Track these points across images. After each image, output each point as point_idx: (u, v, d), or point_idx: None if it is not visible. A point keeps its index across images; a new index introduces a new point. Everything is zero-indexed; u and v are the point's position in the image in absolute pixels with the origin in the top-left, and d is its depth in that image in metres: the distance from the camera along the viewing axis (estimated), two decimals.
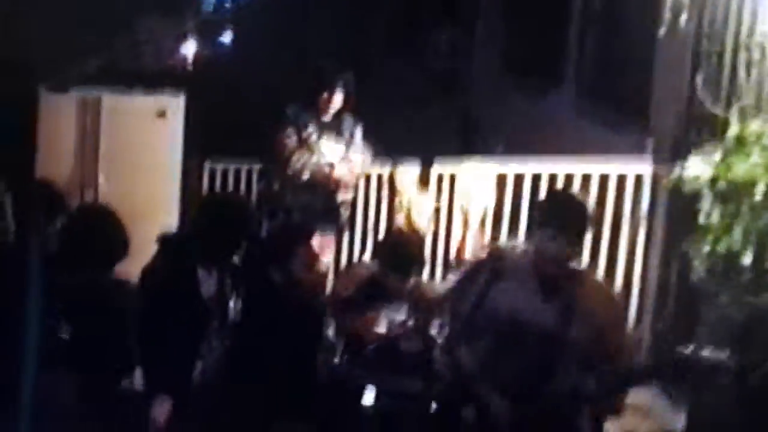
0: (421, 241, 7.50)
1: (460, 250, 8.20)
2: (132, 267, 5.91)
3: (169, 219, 8.19)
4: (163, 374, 5.38)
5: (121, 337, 5.33)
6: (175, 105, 8.93)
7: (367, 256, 8.31)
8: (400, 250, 6.88)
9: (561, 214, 5.23)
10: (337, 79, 8.09)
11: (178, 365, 5.38)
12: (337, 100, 8.08)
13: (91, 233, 5.41)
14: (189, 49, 10.51)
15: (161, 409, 5.29)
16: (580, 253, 5.46)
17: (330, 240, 8.22)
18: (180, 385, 5.36)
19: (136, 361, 5.46)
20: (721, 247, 6.48)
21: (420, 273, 6.93)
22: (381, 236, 8.20)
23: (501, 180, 8.27)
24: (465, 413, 5.19)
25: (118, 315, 5.35)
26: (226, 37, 11.93)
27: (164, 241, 5.85)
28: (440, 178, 8.45)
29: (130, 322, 5.39)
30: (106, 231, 5.41)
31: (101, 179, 8.59)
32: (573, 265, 5.30)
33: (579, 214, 5.31)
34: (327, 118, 8.15)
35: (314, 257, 5.99)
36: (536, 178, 8.12)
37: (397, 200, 8.41)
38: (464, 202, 8.27)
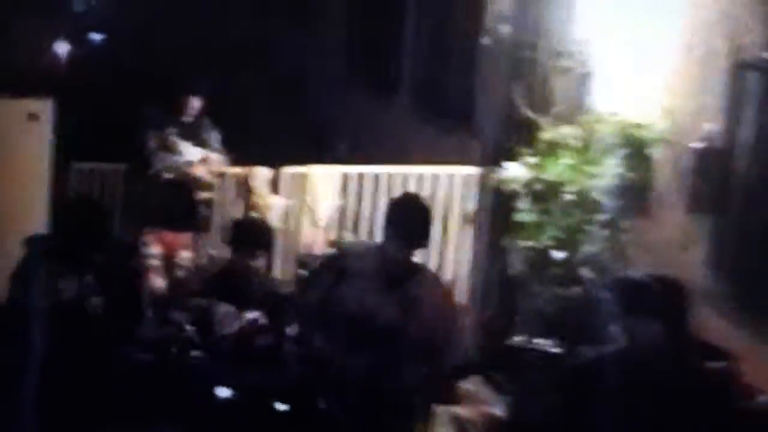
0: (266, 225, 7.50)
1: (309, 247, 8.33)
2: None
3: (39, 222, 8.05)
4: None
5: None
6: (46, 108, 8.77)
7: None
8: (247, 230, 6.90)
9: (405, 216, 5.26)
10: (195, 84, 8.15)
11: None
12: (196, 104, 8.15)
13: None
14: (60, 50, 10.38)
15: None
16: (420, 250, 5.49)
17: (189, 237, 8.25)
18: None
19: None
20: (535, 243, 6.66)
21: (266, 255, 6.89)
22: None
23: (345, 180, 8.40)
24: (318, 405, 5.25)
25: None
26: (96, 38, 11.82)
27: (28, 243, 5.82)
28: (290, 179, 8.53)
29: None
30: None
31: None
32: (412, 260, 5.31)
33: (422, 216, 5.32)
34: (186, 120, 8.21)
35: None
36: (376, 178, 8.28)
37: (251, 200, 8.48)
38: (312, 201, 8.40)
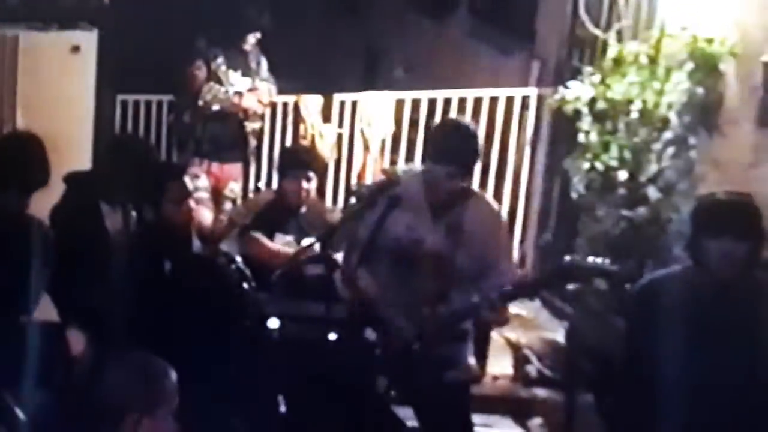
0: (316, 151, 7.48)
1: (361, 176, 8.33)
2: (46, 204, 5.94)
3: (84, 154, 8.14)
4: (76, 307, 5.43)
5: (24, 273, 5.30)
6: (89, 40, 8.81)
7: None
8: (296, 156, 6.82)
9: (450, 142, 5.17)
10: (256, 23, 8.16)
11: (89, 297, 5.42)
12: (252, 41, 8.15)
13: (13, 157, 5.38)
14: None
15: (76, 340, 5.36)
16: (470, 176, 5.43)
17: (238, 168, 8.32)
18: (93, 317, 5.42)
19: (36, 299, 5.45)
20: (599, 164, 6.62)
21: (316, 182, 6.79)
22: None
23: (399, 106, 8.33)
24: (368, 335, 5.21)
25: (24, 250, 5.35)
26: None
27: (70, 179, 5.85)
28: (342, 106, 8.50)
29: (38, 258, 5.38)
30: (27, 155, 5.37)
31: (19, 117, 8.51)
32: (461, 185, 5.23)
33: (468, 142, 5.23)
34: (235, 50, 8.19)
35: (185, 194, 5.96)
36: (432, 103, 8.20)
37: (302, 128, 8.46)
38: (365, 129, 8.36)
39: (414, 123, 8.27)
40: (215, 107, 8.12)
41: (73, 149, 8.14)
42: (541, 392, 6.75)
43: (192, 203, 5.81)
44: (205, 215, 7.01)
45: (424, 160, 5.42)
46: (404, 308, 5.17)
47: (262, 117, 8.44)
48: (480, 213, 5.26)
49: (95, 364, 4.70)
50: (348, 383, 5.12)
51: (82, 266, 5.45)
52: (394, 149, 8.37)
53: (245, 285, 5.87)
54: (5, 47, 8.55)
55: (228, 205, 7.96)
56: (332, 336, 5.37)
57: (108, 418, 3.45)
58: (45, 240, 5.30)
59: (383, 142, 8.37)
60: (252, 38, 8.18)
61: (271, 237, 6.40)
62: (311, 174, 6.58)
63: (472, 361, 5.35)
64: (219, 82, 8.14)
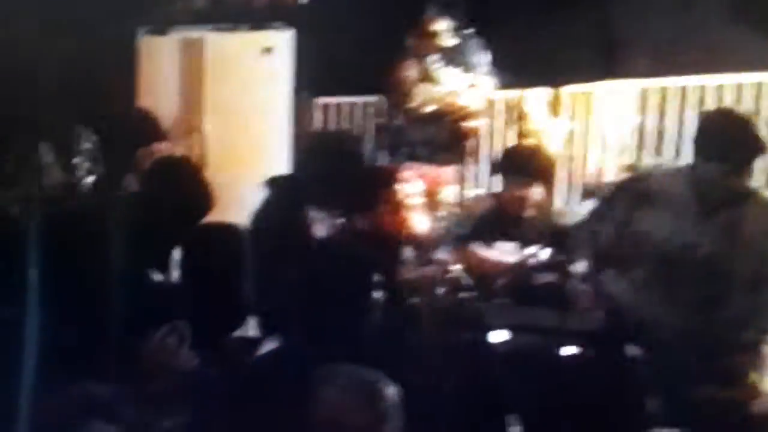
0: (542, 151, 7.51)
1: (597, 175, 8.16)
2: (241, 210, 6.06)
3: (280, 159, 8.29)
4: (280, 318, 5.50)
5: (232, 284, 5.45)
6: (283, 40, 8.99)
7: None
8: (520, 157, 6.97)
9: (720, 132, 5.20)
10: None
11: (290, 307, 5.47)
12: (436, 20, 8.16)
13: (170, 191, 5.54)
14: None
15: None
16: (747, 174, 5.32)
17: (454, 172, 8.31)
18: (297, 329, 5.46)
19: (249, 311, 5.59)
20: None
21: (544, 185, 6.85)
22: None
23: (643, 97, 8.20)
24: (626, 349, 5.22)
25: (227, 261, 5.47)
26: None
27: (272, 184, 6.03)
28: (574, 99, 8.44)
29: (240, 268, 5.48)
30: (185, 187, 5.55)
31: (206, 123, 8.71)
32: (738, 183, 5.26)
33: (744, 135, 5.19)
34: (450, 44, 8.16)
35: (400, 201, 6.03)
36: (683, 91, 8.04)
37: (525, 126, 8.42)
38: (601, 123, 8.28)
39: (661, 115, 8.10)
40: (428, 108, 8.21)
41: (267, 157, 8.32)
42: None
43: (406, 210, 5.84)
44: (419, 222, 7.03)
45: (694, 155, 5.36)
46: (670, 316, 5.17)
47: (481, 115, 8.39)
48: (762, 214, 5.24)
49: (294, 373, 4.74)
50: (601, 403, 5.09)
51: (284, 273, 5.56)
52: (638, 145, 8.19)
53: (464, 294, 5.94)
54: (190, 50, 8.77)
55: (443, 211, 7.92)
56: (569, 349, 5.46)
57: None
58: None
59: (623, 136, 8.19)
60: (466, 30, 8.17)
61: (491, 244, 6.44)
62: (536, 176, 6.68)
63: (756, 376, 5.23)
64: (433, 81, 8.20)
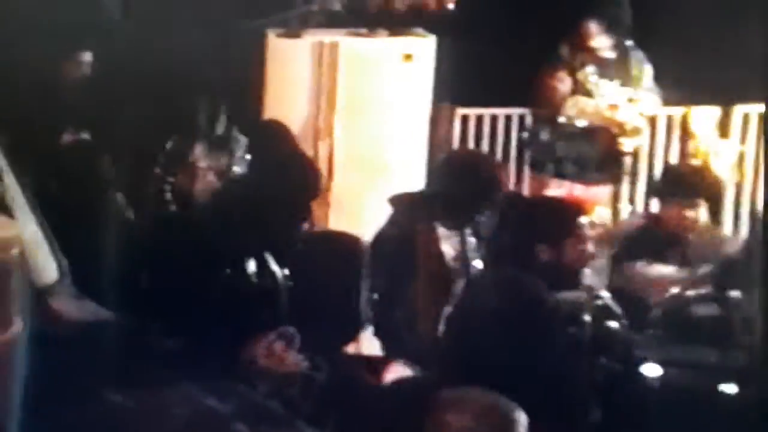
0: (707, 171, 7.41)
1: None
2: (370, 222, 6.09)
3: (416, 171, 8.31)
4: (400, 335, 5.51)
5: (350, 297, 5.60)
6: (425, 47, 9.01)
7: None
8: (682, 177, 6.94)
9: None
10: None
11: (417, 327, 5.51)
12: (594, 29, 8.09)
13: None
14: None
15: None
16: None
17: (606, 191, 8.38)
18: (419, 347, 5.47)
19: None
20: None
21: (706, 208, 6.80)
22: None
23: None
24: None
25: (346, 273, 5.53)
26: None
27: (397, 202, 6.13)
28: (746, 119, 8.35)
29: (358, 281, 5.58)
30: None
31: (338, 131, 8.76)
32: None
33: None
34: (608, 56, 8.17)
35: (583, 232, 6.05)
36: None
37: (691, 146, 8.36)
38: None
39: None
40: (581, 122, 8.17)
41: (403, 168, 8.35)
42: None
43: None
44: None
45: None
46: None
47: (641, 133, 8.34)
48: None
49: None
50: None
51: (408, 291, 5.75)
52: None
53: (612, 323, 5.84)
54: (324, 54, 8.83)
55: (592, 232, 7.89)
56: (729, 387, 5.36)
57: None
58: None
59: None
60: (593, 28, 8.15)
61: (648, 267, 6.53)
62: (699, 200, 6.67)
63: None
64: (587, 94, 8.17)
